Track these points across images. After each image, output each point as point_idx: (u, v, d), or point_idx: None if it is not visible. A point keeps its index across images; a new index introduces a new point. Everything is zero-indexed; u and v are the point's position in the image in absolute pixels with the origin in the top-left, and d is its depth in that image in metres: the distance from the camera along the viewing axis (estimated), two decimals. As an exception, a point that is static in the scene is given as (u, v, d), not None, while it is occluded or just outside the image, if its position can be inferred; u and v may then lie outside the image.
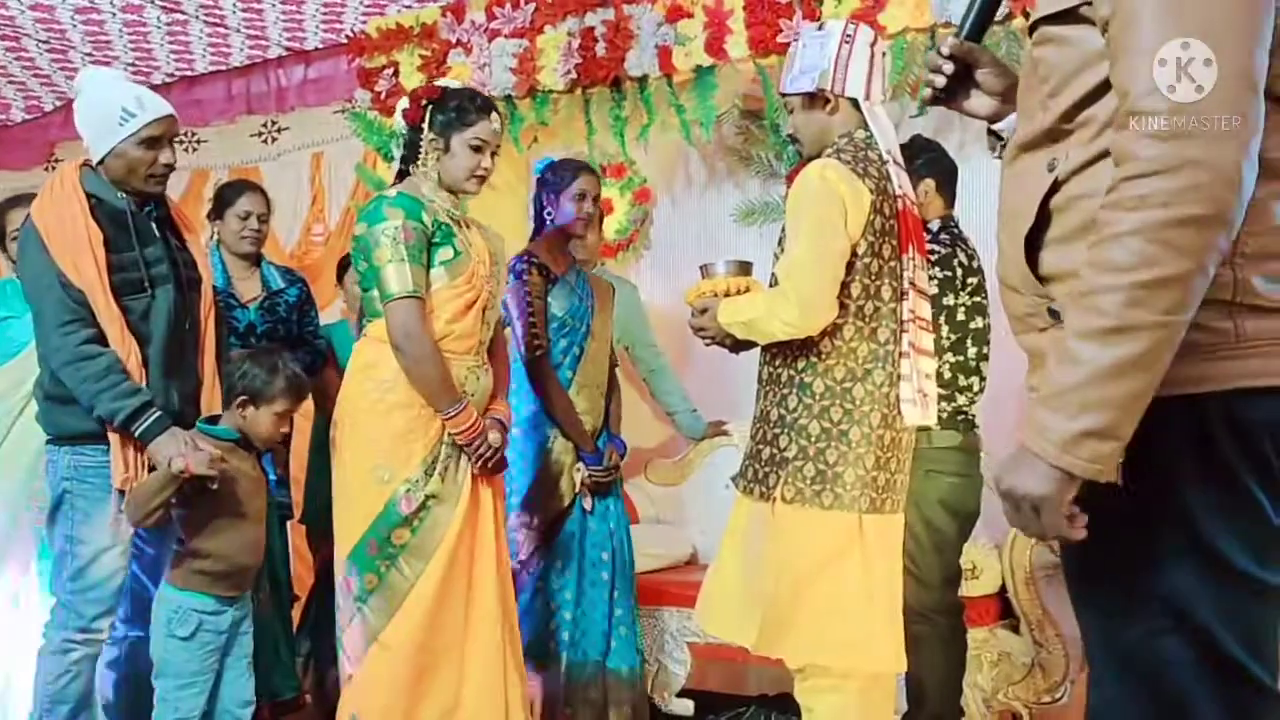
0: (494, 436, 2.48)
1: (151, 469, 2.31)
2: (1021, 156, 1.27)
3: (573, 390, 2.99)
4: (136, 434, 2.28)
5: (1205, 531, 1.13)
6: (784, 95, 2.23)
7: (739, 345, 2.24)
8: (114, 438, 2.31)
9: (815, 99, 2.17)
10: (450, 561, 2.40)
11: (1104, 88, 1.15)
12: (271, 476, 2.51)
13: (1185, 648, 1.14)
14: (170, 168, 2.44)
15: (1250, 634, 1.15)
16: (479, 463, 2.45)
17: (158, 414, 2.30)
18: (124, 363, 2.30)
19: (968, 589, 2.90)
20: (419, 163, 2.54)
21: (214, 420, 2.43)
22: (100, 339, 2.30)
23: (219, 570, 2.35)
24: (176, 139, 2.47)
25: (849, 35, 2.13)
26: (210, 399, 2.52)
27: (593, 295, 3.10)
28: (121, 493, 2.32)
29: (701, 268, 2.33)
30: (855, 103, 2.16)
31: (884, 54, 2.20)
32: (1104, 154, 1.16)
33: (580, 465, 2.95)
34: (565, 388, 2.97)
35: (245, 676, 2.43)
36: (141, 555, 2.52)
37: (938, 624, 2.62)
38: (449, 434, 2.41)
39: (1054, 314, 1.21)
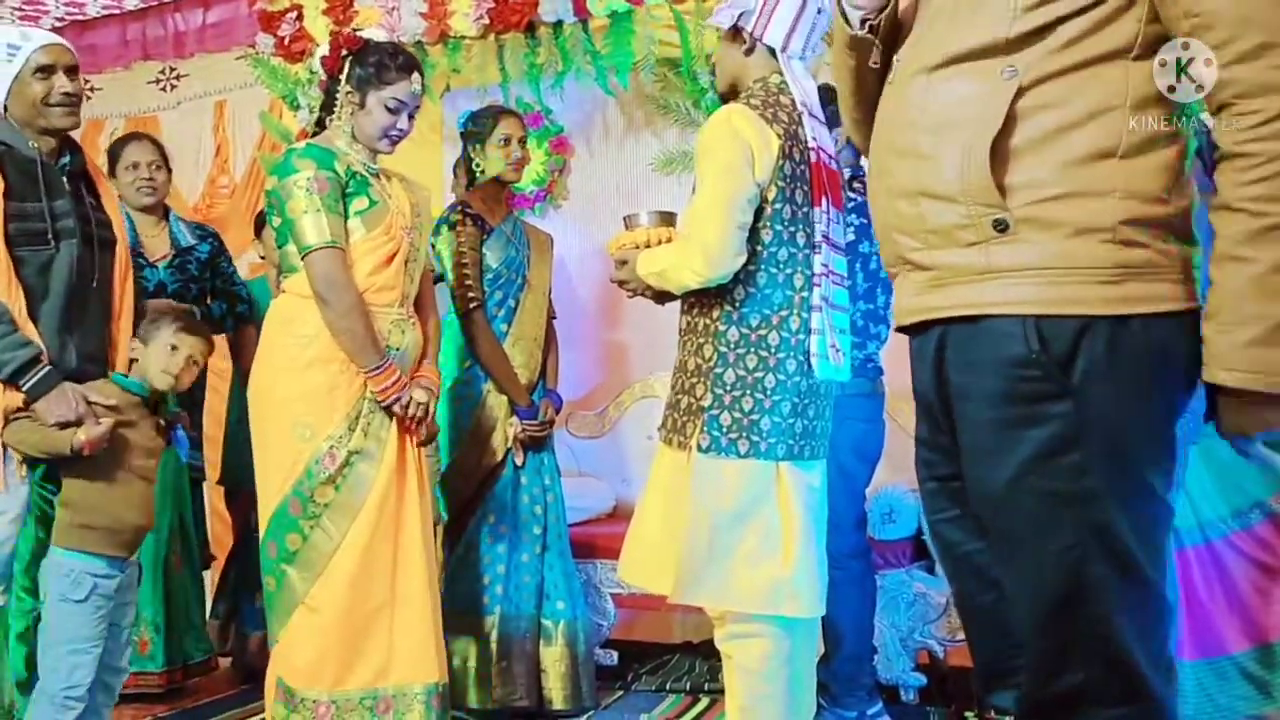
0: (419, 393, 2.43)
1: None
2: (959, 65, 1.25)
3: (508, 343, 2.96)
4: (24, 389, 2.19)
5: (1139, 459, 1.19)
6: (707, 24, 2.20)
7: (661, 296, 2.21)
8: None
9: (735, 36, 2.15)
10: (377, 520, 2.36)
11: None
12: (184, 453, 2.42)
13: (1106, 564, 1.19)
14: (72, 96, 2.36)
15: (1158, 551, 1.22)
16: (409, 423, 2.41)
17: (47, 369, 2.21)
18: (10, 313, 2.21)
19: (885, 533, 2.97)
20: (334, 115, 2.46)
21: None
22: None
23: (104, 526, 2.25)
24: (74, 70, 2.39)
25: None
26: (122, 361, 2.43)
27: (529, 246, 3.06)
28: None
29: (625, 219, 2.30)
30: (773, 51, 2.13)
31: (820, 10, 2.13)
32: (1075, 68, 1.18)
33: (514, 420, 2.92)
34: (500, 340, 2.94)
35: (122, 646, 2.34)
36: (48, 519, 2.41)
37: (851, 567, 2.67)
38: (370, 392, 2.37)
39: (1000, 226, 1.20)
